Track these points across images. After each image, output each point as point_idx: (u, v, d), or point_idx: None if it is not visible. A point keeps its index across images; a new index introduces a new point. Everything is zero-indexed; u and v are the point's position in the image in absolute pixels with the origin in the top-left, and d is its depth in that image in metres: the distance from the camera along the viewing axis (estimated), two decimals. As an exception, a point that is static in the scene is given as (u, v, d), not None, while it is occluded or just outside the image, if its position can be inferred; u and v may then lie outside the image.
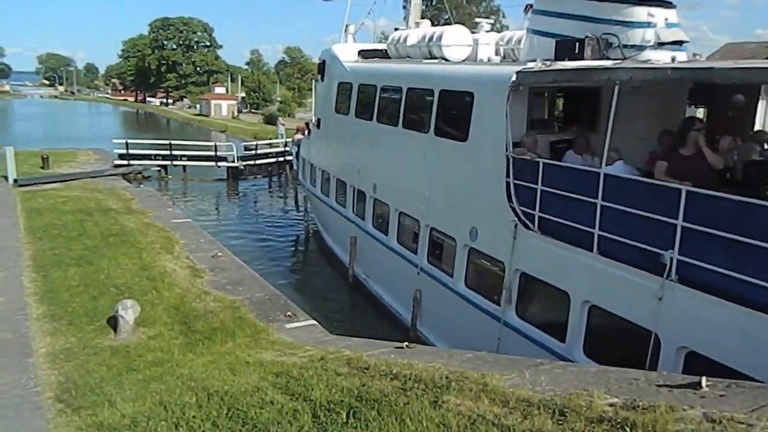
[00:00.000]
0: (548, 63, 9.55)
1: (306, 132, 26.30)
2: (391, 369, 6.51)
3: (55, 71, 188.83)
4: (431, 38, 14.12)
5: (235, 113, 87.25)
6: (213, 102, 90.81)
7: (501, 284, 9.73)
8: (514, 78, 9.33)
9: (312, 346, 9.31)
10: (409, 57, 15.40)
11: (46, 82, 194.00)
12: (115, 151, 32.32)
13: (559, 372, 6.02)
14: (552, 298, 8.86)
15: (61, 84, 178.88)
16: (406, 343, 8.32)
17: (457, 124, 11.27)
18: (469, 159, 10.79)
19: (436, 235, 12.13)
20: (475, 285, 10.82)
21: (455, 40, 13.76)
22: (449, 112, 11.82)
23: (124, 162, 30.90)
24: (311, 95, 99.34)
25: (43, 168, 25.95)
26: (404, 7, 20.00)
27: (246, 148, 36.90)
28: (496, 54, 13.79)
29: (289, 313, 11.32)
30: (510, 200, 9.36)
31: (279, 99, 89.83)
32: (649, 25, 9.71)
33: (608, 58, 9.76)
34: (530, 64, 9.54)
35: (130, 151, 32.19)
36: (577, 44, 9.79)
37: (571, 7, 10.52)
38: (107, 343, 9.51)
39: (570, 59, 9.71)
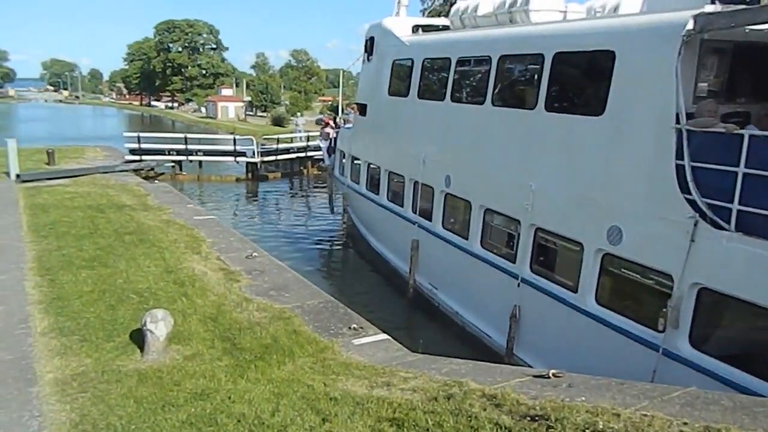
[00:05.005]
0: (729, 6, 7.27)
1: (334, 125, 24.37)
2: (579, 418, 4.21)
3: (59, 77, 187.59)
4: (514, 2, 11.87)
5: (242, 116, 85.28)
6: (220, 104, 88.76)
7: (660, 303, 7.39)
8: (690, 25, 7.05)
9: (407, 371, 7.14)
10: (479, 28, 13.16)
11: (51, 87, 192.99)
12: (126, 145, 30.22)
13: None
14: (761, 326, 6.53)
15: (65, 89, 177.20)
16: (552, 371, 6.08)
17: (585, 94, 9.08)
18: (607, 138, 8.44)
19: (546, 238, 9.77)
20: (614, 303, 8.45)
21: (544, 4, 11.54)
22: (571, 80, 9.58)
23: (136, 157, 28.65)
24: (317, 98, 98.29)
25: (48, 164, 24.08)
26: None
27: (263, 145, 34.85)
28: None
29: (354, 325, 9.30)
30: (684, 190, 7.06)
31: (287, 101, 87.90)
32: None
33: None
34: (708, 7, 7.24)
35: (143, 146, 30.02)
36: (751, -14, 7.59)
37: None
38: (132, 365, 7.49)
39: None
